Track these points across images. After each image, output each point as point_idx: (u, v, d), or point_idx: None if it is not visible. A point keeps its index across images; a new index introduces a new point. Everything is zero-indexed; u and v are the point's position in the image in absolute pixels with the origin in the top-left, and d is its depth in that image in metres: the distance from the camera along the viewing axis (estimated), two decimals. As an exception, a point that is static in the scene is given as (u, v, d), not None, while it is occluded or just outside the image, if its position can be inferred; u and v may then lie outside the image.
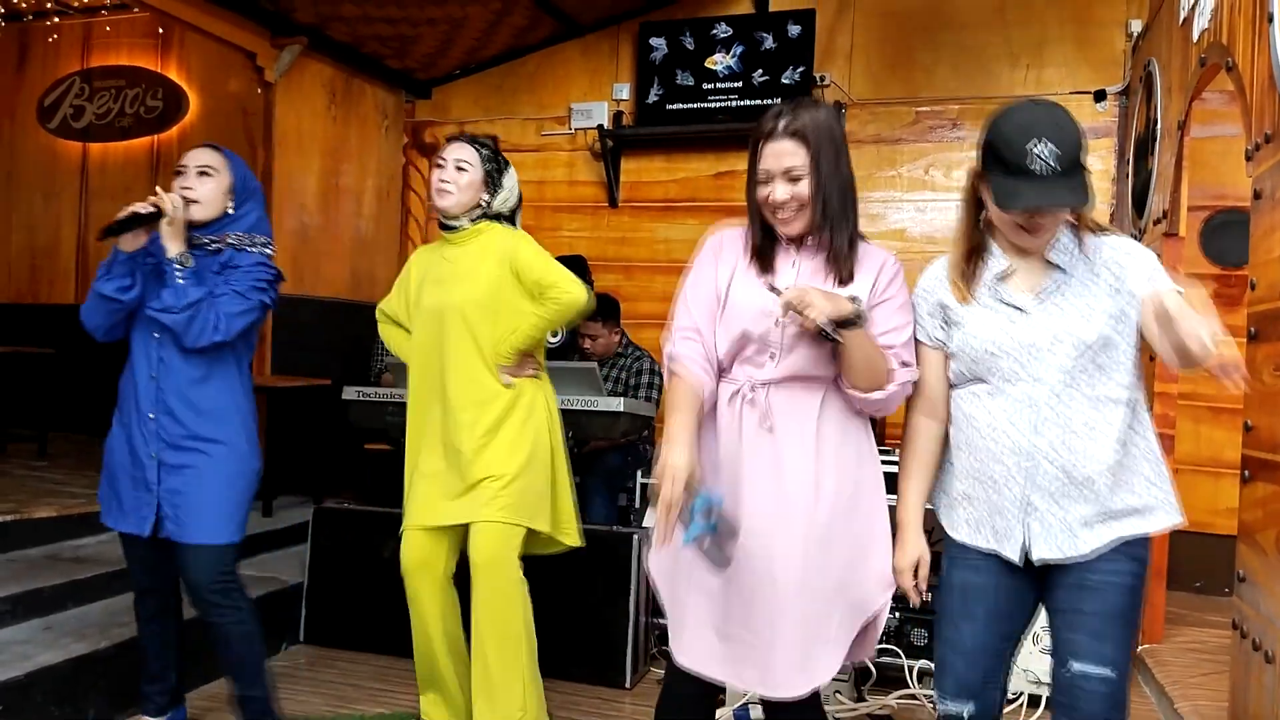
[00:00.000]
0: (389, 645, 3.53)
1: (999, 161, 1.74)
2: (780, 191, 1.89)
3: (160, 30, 6.36)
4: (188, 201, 2.51)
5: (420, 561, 2.70)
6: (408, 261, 2.91)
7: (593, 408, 3.52)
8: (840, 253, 1.91)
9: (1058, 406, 1.78)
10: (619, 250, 5.66)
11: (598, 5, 5.57)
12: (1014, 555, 1.82)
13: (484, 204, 2.72)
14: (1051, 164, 1.69)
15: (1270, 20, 2.23)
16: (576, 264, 5.24)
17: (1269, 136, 2.27)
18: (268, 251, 2.61)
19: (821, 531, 1.88)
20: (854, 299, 1.84)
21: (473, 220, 2.72)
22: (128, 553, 2.68)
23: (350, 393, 3.76)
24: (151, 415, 2.52)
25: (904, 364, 1.91)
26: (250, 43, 4.91)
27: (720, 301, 1.96)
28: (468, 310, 2.65)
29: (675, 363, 1.95)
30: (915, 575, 1.92)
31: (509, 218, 2.80)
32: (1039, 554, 1.79)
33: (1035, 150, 1.70)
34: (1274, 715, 2.07)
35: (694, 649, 1.95)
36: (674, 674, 2.04)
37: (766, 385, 1.91)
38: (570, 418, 3.45)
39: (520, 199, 2.85)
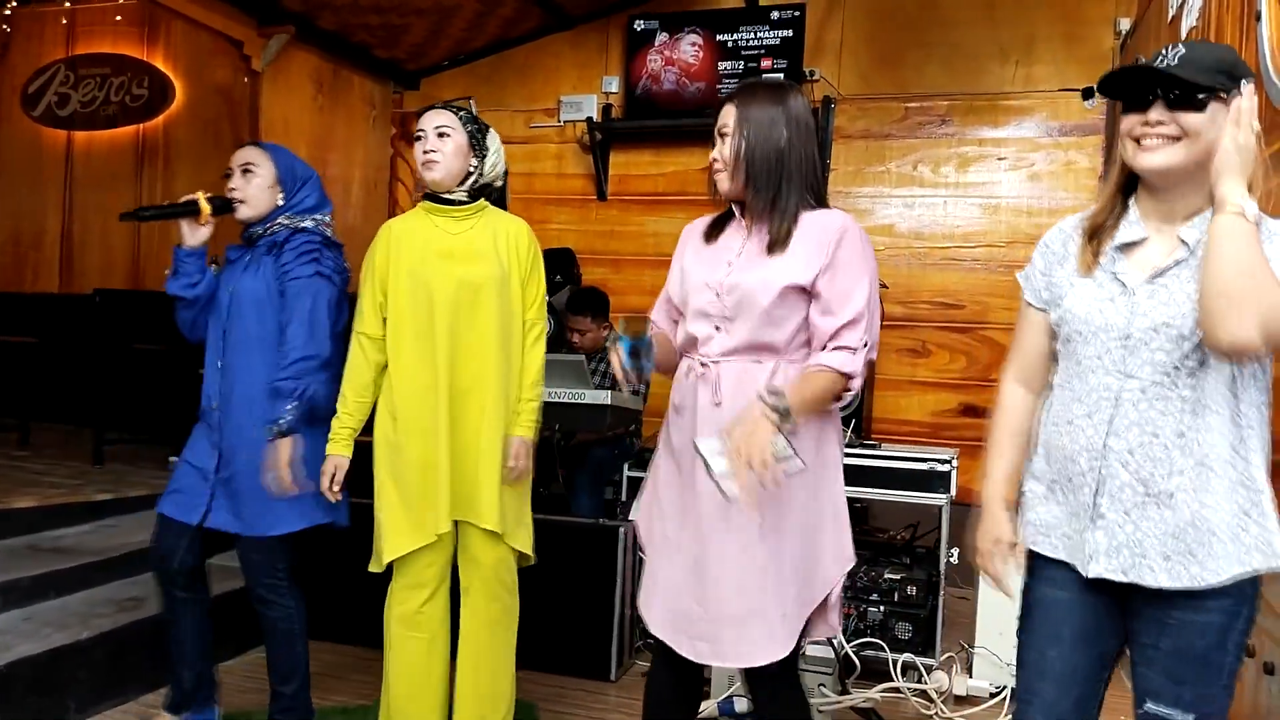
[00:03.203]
0: (371, 638, 3.50)
1: (1105, 77, 1.61)
2: (715, 149, 1.99)
3: (146, 18, 6.31)
4: (236, 202, 2.56)
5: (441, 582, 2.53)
6: (372, 245, 2.57)
7: (580, 400, 3.51)
8: (763, 216, 1.97)
9: (1144, 408, 1.56)
10: (607, 243, 5.65)
11: (587, -3, 5.56)
12: (1082, 569, 1.62)
13: (473, 169, 2.52)
14: (1173, 61, 1.52)
15: (1257, 18, 2.24)
16: (564, 257, 5.24)
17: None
18: (321, 219, 2.64)
19: (773, 508, 1.90)
20: (770, 398, 1.80)
21: (470, 194, 2.53)
22: (165, 540, 2.56)
23: (336, 384, 3.74)
24: (215, 405, 2.52)
25: (849, 348, 1.87)
26: (237, 31, 4.88)
27: (680, 283, 2.08)
28: (492, 288, 2.48)
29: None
30: (993, 555, 1.71)
31: (500, 198, 2.64)
32: (1095, 570, 1.59)
33: (1161, 53, 1.54)
34: (1255, 710, 2.08)
35: (658, 619, 2.03)
36: (655, 661, 2.11)
37: (717, 360, 1.97)
38: (557, 411, 3.44)
39: (507, 170, 2.67)
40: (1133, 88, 1.58)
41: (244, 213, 2.57)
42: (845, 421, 4.74)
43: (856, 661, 3.26)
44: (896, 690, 3.21)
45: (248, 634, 3.52)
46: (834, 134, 5.32)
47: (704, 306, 1.99)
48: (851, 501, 4.00)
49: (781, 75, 5.23)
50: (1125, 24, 4.78)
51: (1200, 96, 1.52)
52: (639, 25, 5.54)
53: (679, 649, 2.00)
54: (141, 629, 3.05)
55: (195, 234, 2.53)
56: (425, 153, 2.47)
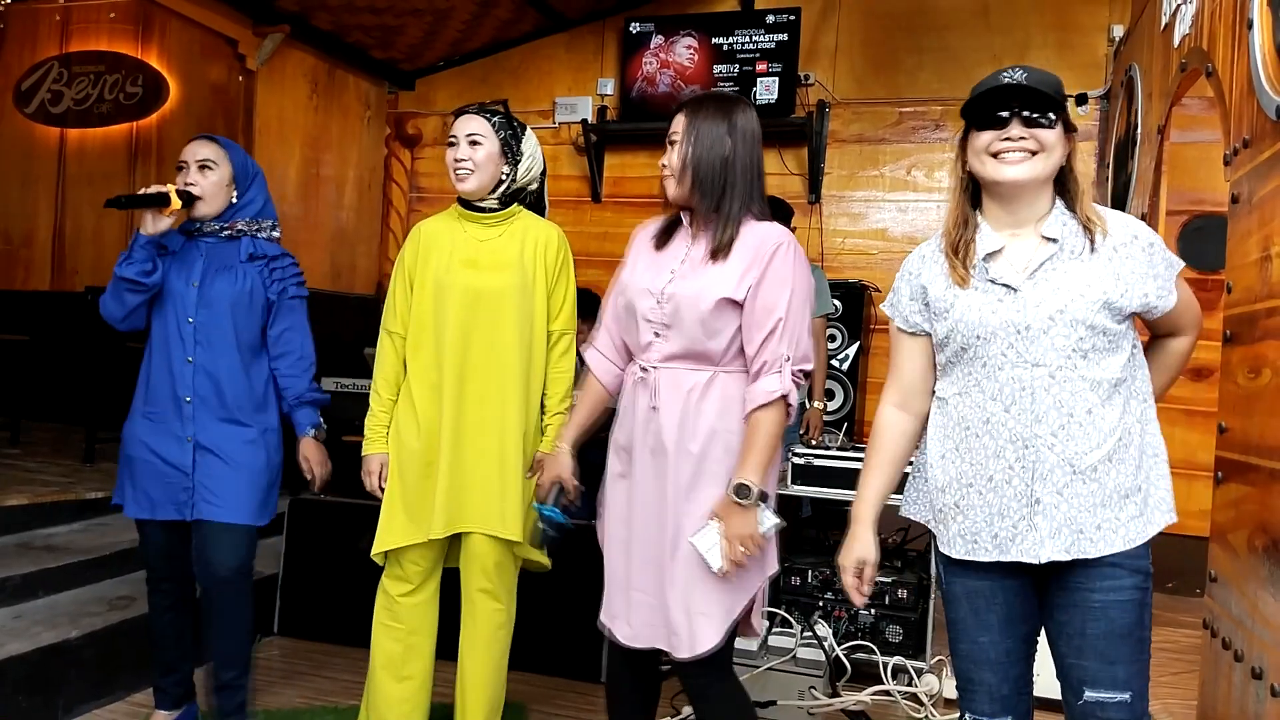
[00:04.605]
0: (364, 638, 3.50)
1: (973, 99, 1.72)
2: (664, 156, 2.08)
3: (141, 16, 6.29)
4: (194, 198, 2.55)
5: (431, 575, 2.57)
6: (404, 246, 2.60)
7: (574, 402, 3.50)
8: (707, 223, 2.04)
9: (1055, 391, 1.68)
10: (601, 245, 5.65)
11: (582, 0, 5.57)
12: (1024, 557, 1.70)
13: (505, 177, 2.49)
14: (1023, 79, 1.67)
15: (1250, 26, 2.25)
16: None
17: (1247, 141, 2.29)
18: (276, 235, 2.69)
19: (695, 509, 1.99)
20: (742, 493, 1.92)
21: (501, 201, 2.51)
22: (147, 541, 2.62)
23: (328, 384, 3.75)
24: (188, 399, 2.53)
25: (773, 365, 1.95)
26: (232, 30, 4.88)
27: (627, 287, 2.15)
28: (512, 298, 2.46)
29: (587, 361, 2.24)
30: (861, 575, 1.85)
31: (537, 199, 2.60)
32: (1046, 554, 1.68)
33: (1006, 72, 1.69)
34: (1242, 713, 2.09)
35: (606, 608, 2.15)
36: (612, 660, 2.20)
37: (657, 366, 2.05)
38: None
39: (545, 169, 2.62)
40: (985, 109, 1.72)
41: (201, 209, 2.56)
42: (837, 425, 4.76)
43: (847, 664, 3.26)
44: (887, 693, 3.21)
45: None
46: (828, 138, 5.33)
47: (646, 313, 2.07)
48: (842, 504, 4.02)
49: (779, 78, 5.25)
50: (1119, 31, 4.80)
51: (1051, 115, 1.69)
52: (634, 28, 5.55)
53: (618, 633, 2.10)
54: (132, 628, 3.05)
55: (158, 223, 2.49)
56: (457, 161, 2.45)
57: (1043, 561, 1.70)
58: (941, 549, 1.83)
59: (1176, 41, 3.17)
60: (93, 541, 3.54)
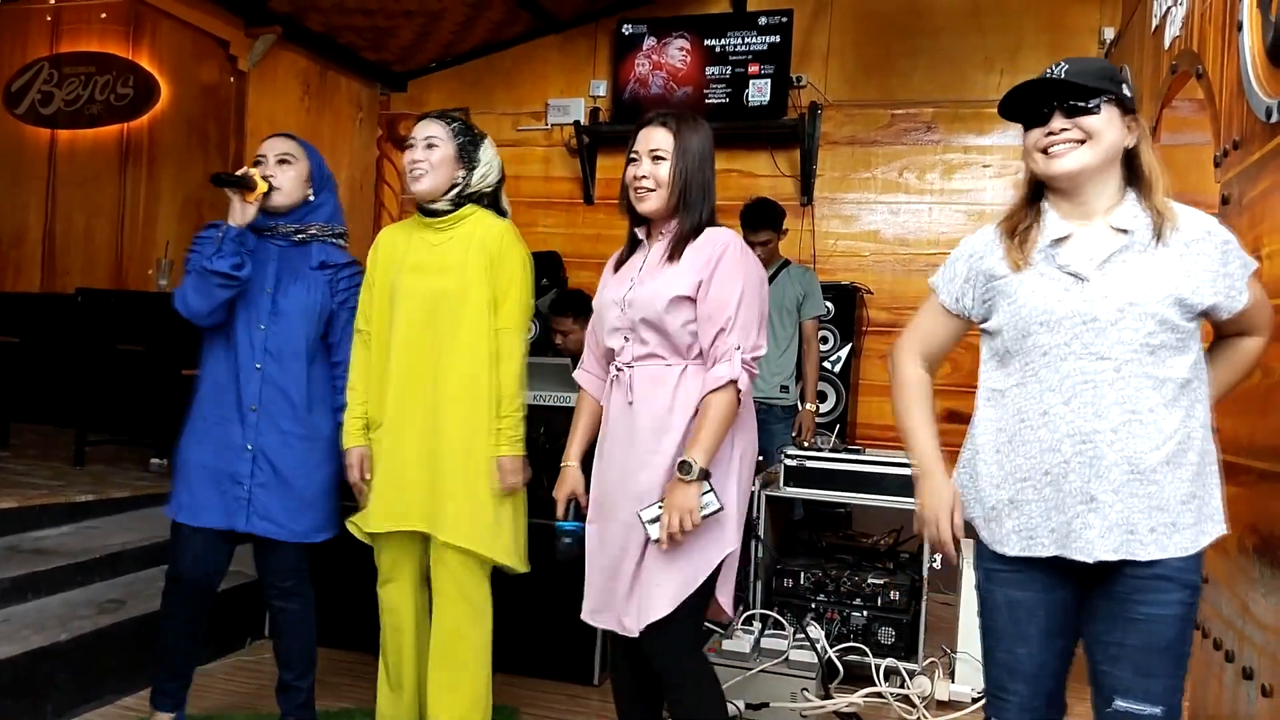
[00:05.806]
0: (353, 640, 3.50)
1: (1007, 98, 1.72)
2: (643, 168, 2.16)
3: (132, 17, 6.28)
4: (270, 189, 2.54)
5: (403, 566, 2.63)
6: (370, 253, 2.63)
7: (565, 404, 3.51)
8: (680, 237, 2.16)
9: (1120, 387, 1.62)
10: (594, 247, 5.65)
11: (575, 1, 5.56)
12: (1077, 555, 1.65)
13: (460, 181, 2.50)
14: (1061, 74, 1.66)
15: (1239, 28, 2.26)
16: (550, 260, 5.23)
17: (1237, 143, 2.30)
18: (343, 244, 2.69)
19: (654, 496, 2.09)
20: (687, 470, 2.03)
21: (454, 203, 2.50)
22: (183, 546, 2.54)
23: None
24: (254, 407, 2.51)
25: (725, 355, 2.07)
26: (224, 31, 4.86)
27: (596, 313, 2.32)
28: (453, 302, 2.46)
29: (578, 381, 2.40)
30: (951, 520, 1.78)
31: (493, 199, 2.59)
32: (1098, 553, 1.63)
33: (1050, 69, 1.70)
34: (1234, 714, 2.09)
35: (586, 604, 2.28)
36: (613, 656, 2.31)
37: (631, 365, 2.19)
38: (543, 414, 3.43)
39: (502, 175, 2.62)
40: (1029, 107, 1.71)
41: (276, 200, 2.54)
42: (829, 427, 4.76)
43: (839, 666, 3.26)
44: (879, 695, 3.21)
45: (230, 636, 3.52)
46: (820, 140, 5.34)
47: (614, 321, 2.22)
48: (834, 506, 4.02)
49: (772, 80, 5.25)
50: (1110, 33, 4.81)
51: (1093, 102, 1.66)
52: (627, 29, 5.55)
53: (599, 623, 2.24)
54: (121, 631, 3.03)
55: (245, 212, 2.48)
56: (413, 162, 2.48)
57: (1094, 561, 1.65)
58: (993, 548, 1.77)
59: (1167, 44, 3.18)
60: (82, 545, 3.52)
